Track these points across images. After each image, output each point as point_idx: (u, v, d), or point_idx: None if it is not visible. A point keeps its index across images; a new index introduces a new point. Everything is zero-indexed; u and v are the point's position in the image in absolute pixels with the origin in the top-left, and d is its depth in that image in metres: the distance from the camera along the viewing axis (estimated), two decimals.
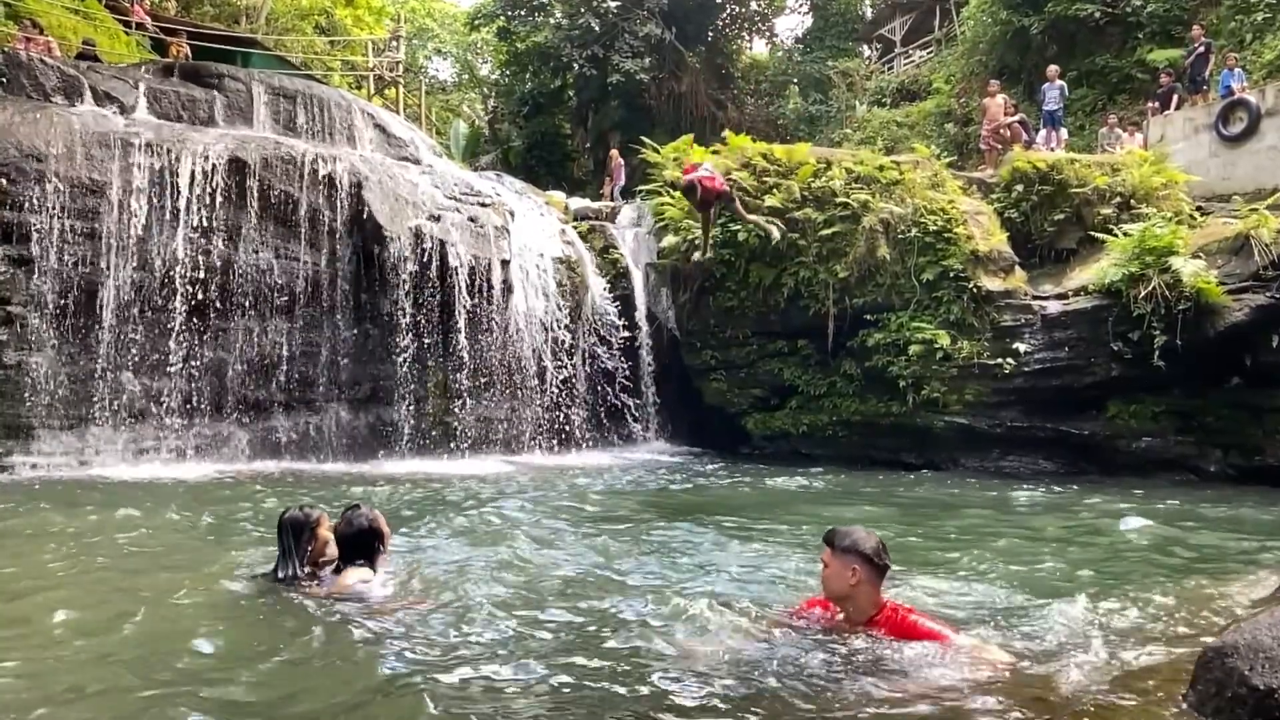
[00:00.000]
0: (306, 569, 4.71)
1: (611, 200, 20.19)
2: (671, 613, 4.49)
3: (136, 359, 11.76)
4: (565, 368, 14.49)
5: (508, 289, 13.96)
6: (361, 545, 4.65)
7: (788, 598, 4.88)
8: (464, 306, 13.29)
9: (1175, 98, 17.26)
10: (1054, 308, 12.80)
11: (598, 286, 15.29)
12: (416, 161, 15.50)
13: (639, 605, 4.71)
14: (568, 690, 3.44)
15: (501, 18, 30.01)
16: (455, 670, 3.63)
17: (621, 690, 3.42)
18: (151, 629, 4.21)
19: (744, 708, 3.24)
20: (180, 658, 3.81)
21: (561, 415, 14.45)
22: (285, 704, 3.37)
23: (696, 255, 13.86)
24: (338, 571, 4.66)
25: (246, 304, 12.37)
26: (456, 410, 13.34)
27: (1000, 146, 16.80)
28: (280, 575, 4.71)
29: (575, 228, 16.21)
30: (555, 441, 14.30)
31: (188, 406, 11.95)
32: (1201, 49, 17.14)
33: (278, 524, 4.81)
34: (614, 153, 22.62)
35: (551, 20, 29.01)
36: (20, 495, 8.90)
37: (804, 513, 8.69)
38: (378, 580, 4.68)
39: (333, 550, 4.77)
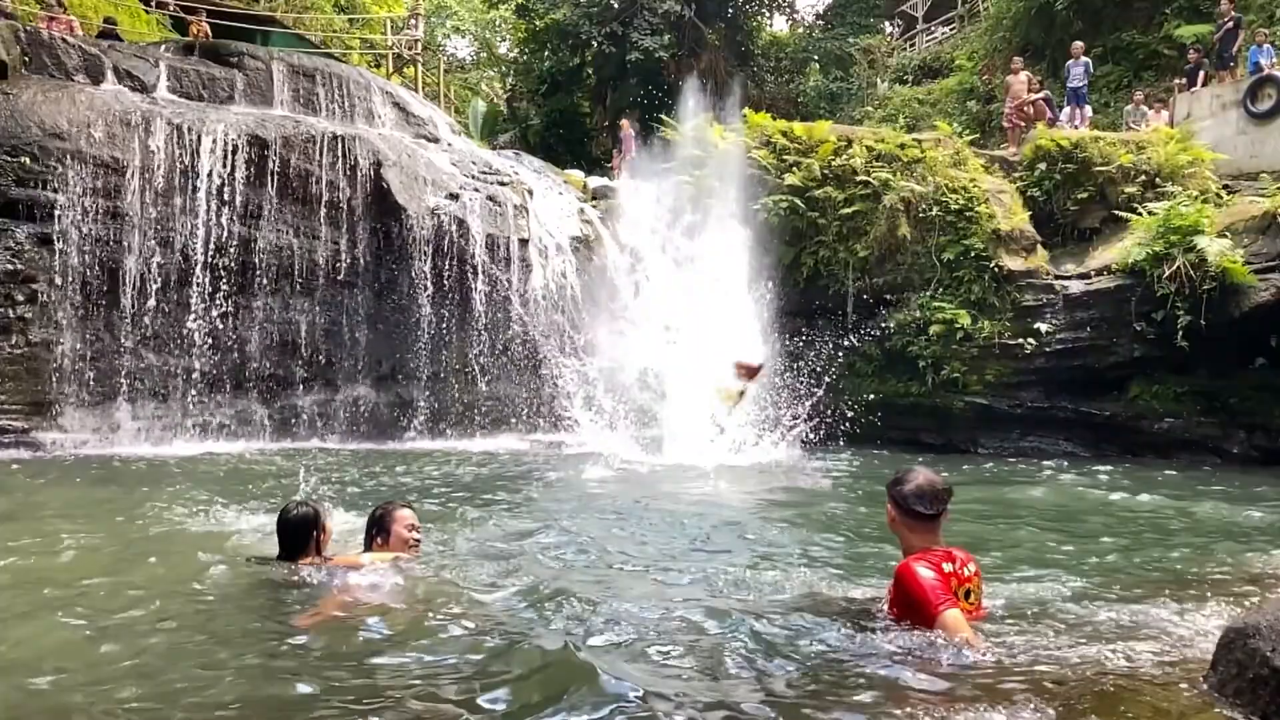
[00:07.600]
0: (317, 560, 4.55)
1: (626, 174, 19.93)
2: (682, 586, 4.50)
3: (159, 337, 11.88)
4: (583, 345, 14.47)
5: (526, 267, 13.97)
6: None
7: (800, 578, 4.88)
8: (482, 285, 13.32)
9: (1203, 74, 16.96)
10: (1076, 287, 12.69)
11: (616, 265, 15.24)
12: (435, 140, 15.49)
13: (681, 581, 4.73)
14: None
15: None
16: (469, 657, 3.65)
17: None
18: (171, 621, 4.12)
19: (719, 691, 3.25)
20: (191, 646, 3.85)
21: (581, 394, 14.44)
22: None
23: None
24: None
25: (267, 282, 12.47)
26: (476, 388, 13.38)
27: (1023, 124, 16.56)
28: (292, 567, 4.53)
29: (594, 206, 16.16)
30: (575, 420, 14.31)
31: (210, 384, 12.08)
32: (1230, 24, 16.81)
33: (284, 521, 4.56)
34: (624, 123, 21.69)
35: None
36: (47, 471, 9.03)
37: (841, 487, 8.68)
38: (388, 569, 4.53)
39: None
